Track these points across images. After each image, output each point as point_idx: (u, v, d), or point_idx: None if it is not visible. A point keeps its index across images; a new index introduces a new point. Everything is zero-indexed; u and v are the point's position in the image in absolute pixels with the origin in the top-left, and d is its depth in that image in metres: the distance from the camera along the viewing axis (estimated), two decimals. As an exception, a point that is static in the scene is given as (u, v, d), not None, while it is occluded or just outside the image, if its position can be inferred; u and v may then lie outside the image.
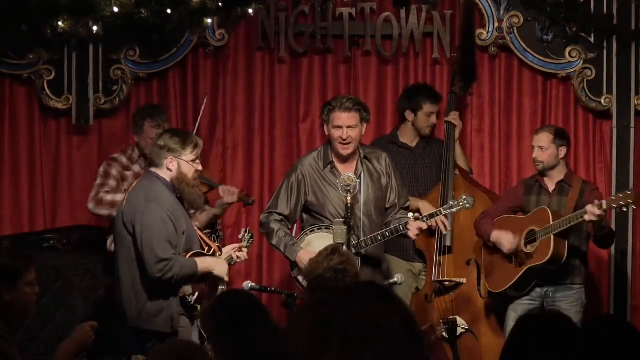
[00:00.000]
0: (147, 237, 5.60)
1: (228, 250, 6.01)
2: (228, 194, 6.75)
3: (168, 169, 5.73)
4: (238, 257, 5.99)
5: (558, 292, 6.57)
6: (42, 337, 6.51)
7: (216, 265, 5.79)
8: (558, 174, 6.67)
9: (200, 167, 5.82)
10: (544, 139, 6.62)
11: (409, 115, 7.21)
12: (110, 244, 6.51)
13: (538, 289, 6.59)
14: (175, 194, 5.77)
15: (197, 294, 5.82)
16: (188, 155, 5.73)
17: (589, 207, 6.21)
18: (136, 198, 5.74)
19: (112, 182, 6.75)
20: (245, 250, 6.05)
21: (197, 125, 7.18)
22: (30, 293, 4.47)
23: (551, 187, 6.67)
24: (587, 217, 6.22)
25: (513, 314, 6.58)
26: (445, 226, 6.72)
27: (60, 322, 6.55)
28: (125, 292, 5.75)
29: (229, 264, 5.98)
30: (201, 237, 5.97)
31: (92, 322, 4.51)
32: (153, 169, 5.78)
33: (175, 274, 5.60)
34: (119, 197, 6.54)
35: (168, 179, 5.74)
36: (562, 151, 6.64)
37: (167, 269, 5.59)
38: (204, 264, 5.74)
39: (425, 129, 7.20)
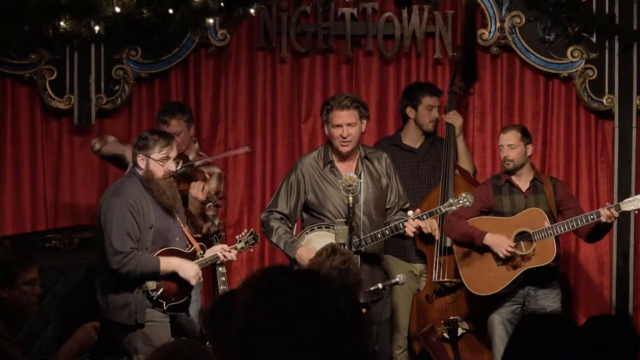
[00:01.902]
0: (107, 229, 5.72)
1: (216, 249, 6.02)
2: (197, 189, 6.50)
3: (139, 166, 5.80)
4: (225, 257, 5.99)
5: (539, 291, 6.56)
6: (43, 337, 6.51)
7: (182, 266, 5.79)
8: (528, 173, 6.67)
9: (172, 168, 5.84)
10: (512, 137, 6.63)
11: (410, 112, 7.20)
12: None
13: (520, 290, 6.57)
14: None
15: (161, 290, 5.78)
16: (156, 153, 5.80)
17: (604, 211, 6.25)
18: (106, 192, 5.94)
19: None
20: (235, 251, 6.05)
21: (222, 155, 7.20)
22: (29, 292, 4.46)
23: (524, 186, 6.65)
24: (603, 219, 6.26)
25: (498, 317, 6.56)
26: (433, 229, 6.60)
27: (61, 322, 6.54)
28: (98, 285, 5.84)
29: (214, 263, 6.00)
30: (186, 236, 5.99)
31: (94, 322, 4.53)
32: (135, 167, 5.91)
33: (132, 268, 5.66)
34: (111, 138, 6.69)
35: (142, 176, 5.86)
36: (529, 149, 6.67)
37: (124, 262, 5.65)
38: (168, 263, 5.76)
39: (428, 124, 7.19)
